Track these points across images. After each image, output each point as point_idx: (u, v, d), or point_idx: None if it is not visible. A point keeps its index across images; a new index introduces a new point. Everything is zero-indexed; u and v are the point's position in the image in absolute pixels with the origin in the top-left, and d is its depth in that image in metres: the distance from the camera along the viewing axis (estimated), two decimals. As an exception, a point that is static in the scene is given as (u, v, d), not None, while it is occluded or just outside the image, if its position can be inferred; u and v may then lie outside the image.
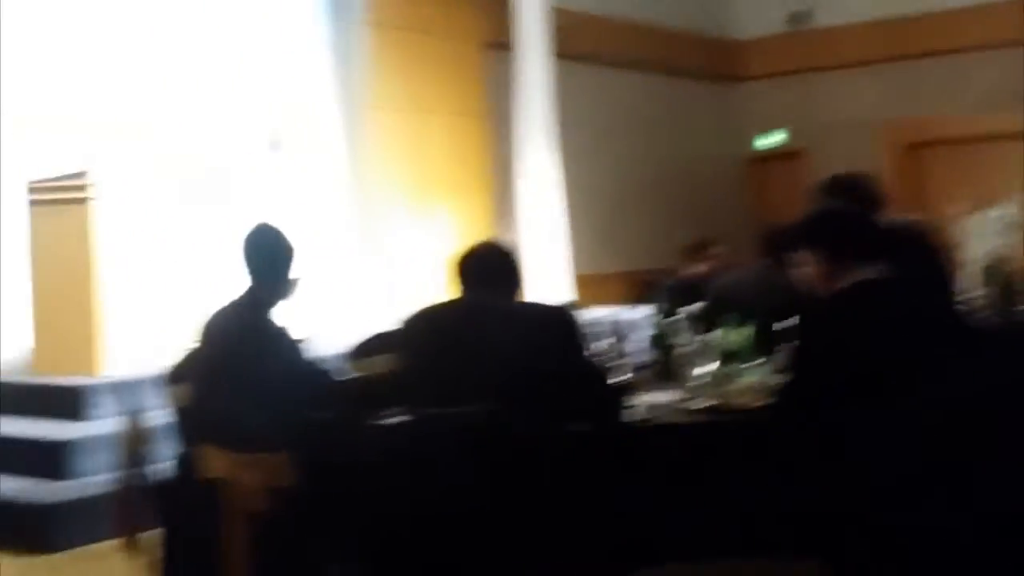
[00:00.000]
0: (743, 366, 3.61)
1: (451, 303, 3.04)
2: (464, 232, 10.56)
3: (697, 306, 5.37)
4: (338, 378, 3.60)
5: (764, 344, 3.80)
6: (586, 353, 3.09)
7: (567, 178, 11.09)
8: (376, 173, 10.37)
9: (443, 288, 9.61)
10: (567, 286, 10.16)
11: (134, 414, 3.59)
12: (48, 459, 5.54)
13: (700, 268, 7.39)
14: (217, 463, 3.22)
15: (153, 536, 3.58)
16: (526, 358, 2.80)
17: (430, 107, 10.78)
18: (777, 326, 3.80)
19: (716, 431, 3.10)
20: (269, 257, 3.46)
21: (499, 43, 11.16)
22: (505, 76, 11.21)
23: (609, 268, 11.33)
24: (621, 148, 12.52)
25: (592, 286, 9.82)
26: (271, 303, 3.44)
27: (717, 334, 3.90)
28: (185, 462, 3.58)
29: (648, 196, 12.67)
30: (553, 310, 2.94)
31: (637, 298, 5.81)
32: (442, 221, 10.72)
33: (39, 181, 6.40)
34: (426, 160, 10.73)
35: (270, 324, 3.41)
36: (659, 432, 3.09)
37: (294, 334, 3.42)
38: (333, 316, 7.99)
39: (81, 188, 6.13)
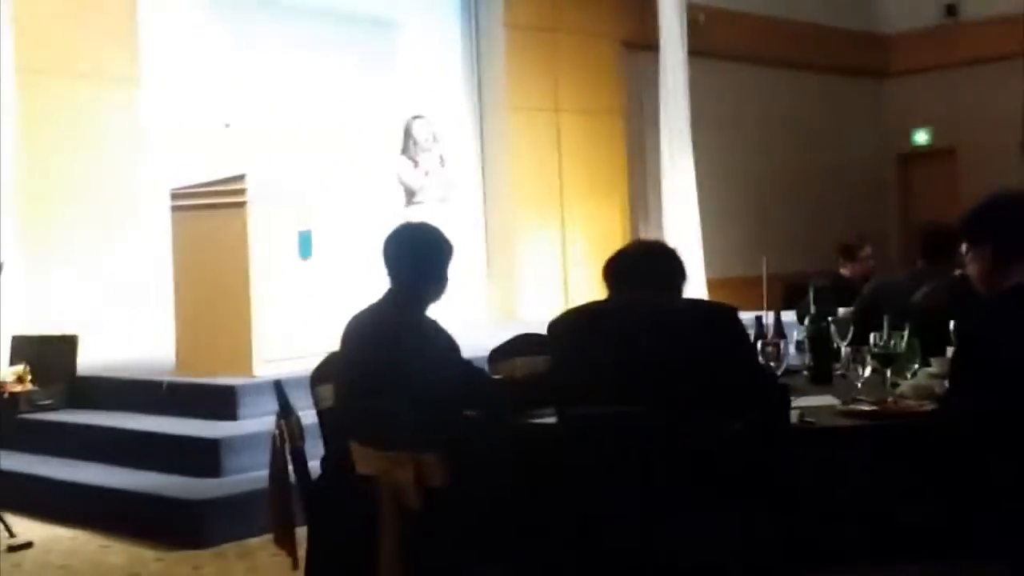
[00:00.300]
0: (905, 371, 3.47)
1: (608, 302, 2.96)
2: (600, 231, 10.53)
3: (850, 309, 5.23)
4: (492, 378, 3.59)
5: (923, 348, 3.66)
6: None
7: (706, 178, 10.95)
8: (513, 171, 10.42)
9: (583, 286, 9.60)
10: (701, 289, 10.03)
11: (285, 413, 3.63)
12: (201, 456, 5.69)
13: (851, 270, 7.21)
14: (370, 462, 3.23)
15: (300, 533, 3.62)
16: (693, 358, 2.72)
17: (569, 106, 10.78)
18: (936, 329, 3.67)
19: (881, 434, 2.99)
20: (429, 255, 3.46)
21: (637, 42, 11.09)
22: (642, 75, 11.14)
23: (745, 271, 11.12)
24: (762, 147, 12.31)
25: (726, 290, 9.66)
26: (426, 301, 3.45)
27: (873, 337, 3.79)
28: (330, 462, 3.62)
29: (789, 197, 12.42)
30: (721, 308, 2.83)
31: (783, 301, 5.68)
32: (578, 219, 10.70)
33: (184, 188, 6.56)
34: (563, 159, 10.74)
35: (427, 322, 3.41)
36: (821, 435, 2.99)
37: (448, 333, 3.41)
38: (467, 316, 8.04)
39: (240, 192, 6.26)
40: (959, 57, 12.73)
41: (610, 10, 10.98)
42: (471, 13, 10.68)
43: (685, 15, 10.80)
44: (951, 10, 13.10)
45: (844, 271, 7.27)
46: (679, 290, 3.00)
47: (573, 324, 3.03)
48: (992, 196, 2.95)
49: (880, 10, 13.67)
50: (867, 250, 7.34)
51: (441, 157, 7.98)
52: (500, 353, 4.04)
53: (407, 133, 7.98)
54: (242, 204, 6.29)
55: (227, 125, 7.23)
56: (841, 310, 4.68)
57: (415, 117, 8.04)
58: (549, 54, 10.70)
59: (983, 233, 2.86)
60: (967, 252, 2.92)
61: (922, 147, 13.74)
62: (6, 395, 6.70)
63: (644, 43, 10.99)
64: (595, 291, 3.22)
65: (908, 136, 13.71)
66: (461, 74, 10.63)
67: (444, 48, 10.52)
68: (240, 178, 6.33)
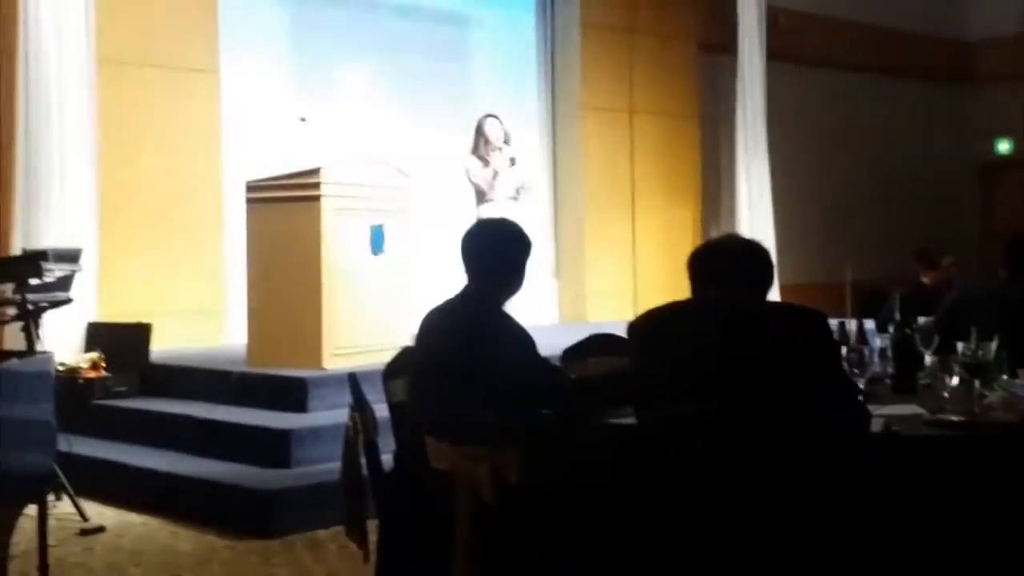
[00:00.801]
0: (993, 381, 3.38)
1: (691, 302, 2.89)
2: (671, 234, 10.45)
3: (931, 318, 5.10)
4: (568, 376, 3.55)
5: (1009, 360, 3.56)
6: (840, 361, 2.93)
7: (782, 184, 10.82)
8: (585, 172, 10.38)
9: (653, 289, 9.53)
10: (775, 294, 9.90)
11: (359, 406, 3.62)
12: (272, 447, 5.72)
13: (931, 278, 7.08)
14: (445, 457, 3.21)
15: (371, 526, 3.62)
16: (778, 361, 2.65)
17: (643, 108, 10.71)
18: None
19: (970, 446, 2.90)
20: (506, 251, 3.43)
21: (714, 44, 10.99)
22: (719, 78, 11.03)
23: (820, 278, 10.96)
24: (839, 153, 12.13)
25: (800, 295, 9.51)
26: (503, 298, 3.42)
27: (961, 347, 3.69)
28: (402, 456, 3.60)
29: (867, 204, 12.22)
30: (810, 312, 2.75)
31: (861, 308, 5.58)
32: (649, 222, 10.62)
33: (259, 180, 6.60)
34: (636, 161, 10.67)
35: (503, 318, 3.38)
36: (906, 445, 2.91)
37: (524, 330, 3.38)
38: (536, 317, 8.01)
39: (315, 186, 6.29)
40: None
41: (687, 11, 10.89)
42: (546, 10, 10.65)
43: (764, 17, 10.68)
44: (1036, 17, 12.82)
45: (924, 279, 7.14)
46: (764, 291, 2.93)
47: (655, 325, 2.97)
48: None
49: (964, 17, 13.42)
50: (949, 259, 7.21)
51: (512, 159, 7.95)
52: (574, 352, 4.01)
53: (478, 131, 7.96)
54: (316, 198, 6.33)
55: (303, 119, 7.27)
56: (921, 319, 4.58)
57: (487, 116, 8.02)
58: (624, 54, 10.64)
59: None
60: None
61: (1005, 157, 13.45)
62: (81, 381, 6.79)
63: (721, 45, 10.88)
64: (665, 295, 3.16)
65: (991, 145, 13.44)
66: (535, 72, 10.61)
67: (518, 45, 10.51)
68: (315, 172, 6.37)
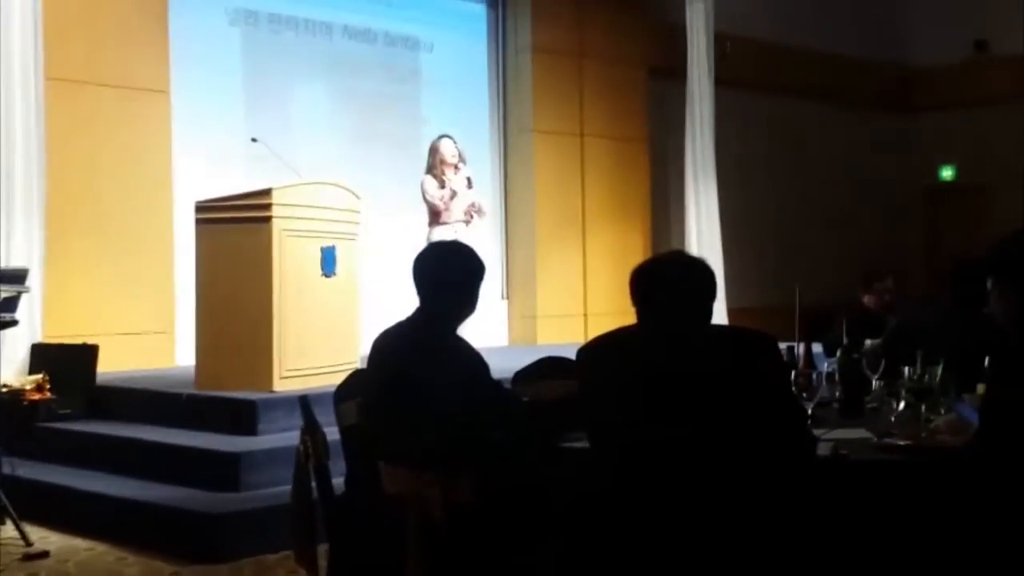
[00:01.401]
0: (939, 406, 3.43)
1: (639, 327, 2.91)
2: (621, 257, 10.50)
3: (877, 341, 5.18)
4: (520, 399, 3.55)
5: (956, 384, 3.62)
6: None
7: (730, 207, 10.93)
8: (536, 195, 10.43)
9: (604, 312, 9.57)
10: (722, 318, 9.98)
11: (310, 429, 3.60)
12: (221, 471, 5.67)
13: (869, 300, 7.17)
14: (397, 480, 3.21)
15: (321, 551, 3.59)
16: (728, 384, 2.68)
17: (593, 131, 10.79)
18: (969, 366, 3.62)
19: (917, 470, 2.95)
20: (460, 274, 3.44)
21: (663, 69, 11.09)
22: (668, 102, 11.14)
23: (768, 301, 11.07)
24: (787, 177, 12.28)
25: (747, 319, 9.60)
26: (456, 321, 3.43)
27: (908, 372, 3.75)
28: (354, 479, 3.59)
29: (814, 228, 12.37)
30: (759, 336, 2.78)
31: (807, 332, 5.62)
32: (600, 245, 10.68)
33: (209, 201, 6.56)
34: (586, 184, 10.73)
35: (456, 341, 3.39)
36: (854, 469, 2.95)
37: (477, 353, 3.39)
38: (486, 340, 8.02)
39: (266, 207, 6.26)
40: (988, 93, 12.70)
41: (637, 36, 10.99)
42: (497, 35, 10.72)
43: (712, 43, 10.80)
44: (981, 45, 13.07)
45: (865, 300, 7.23)
46: (708, 308, 2.95)
47: (603, 350, 2.99)
48: (1020, 233, 2.90)
49: (909, 45, 13.66)
50: (886, 281, 7.29)
51: (468, 179, 7.96)
52: (525, 375, 4.02)
53: (433, 152, 7.96)
54: (267, 219, 6.29)
55: (254, 140, 7.24)
56: (868, 342, 4.65)
57: (442, 136, 8.03)
58: (574, 79, 10.71)
59: (1011, 272, 2.81)
60: (992, 289, 2.88)
61: (949, 183, 13.69)
62: (25, 403, 6.69)
63: (671, 70, 10.99)
64: (615, 317, 3.19)
65: (935, 171, 13.67)
66: (486, 96, 10.66)
67: (470, 69, 10.56)
68: (266, 193, 6.34)
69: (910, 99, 13.63)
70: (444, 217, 7.83)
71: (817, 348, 4.52)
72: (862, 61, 13.09)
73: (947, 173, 13.71)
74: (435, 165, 7.91)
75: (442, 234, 7.65)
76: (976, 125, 12.98)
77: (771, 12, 12.17)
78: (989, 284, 2.90)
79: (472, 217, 7.91)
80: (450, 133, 8.11)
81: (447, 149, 7.90)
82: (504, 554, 3.11)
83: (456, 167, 7.90)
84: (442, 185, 7.86)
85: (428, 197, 7.88)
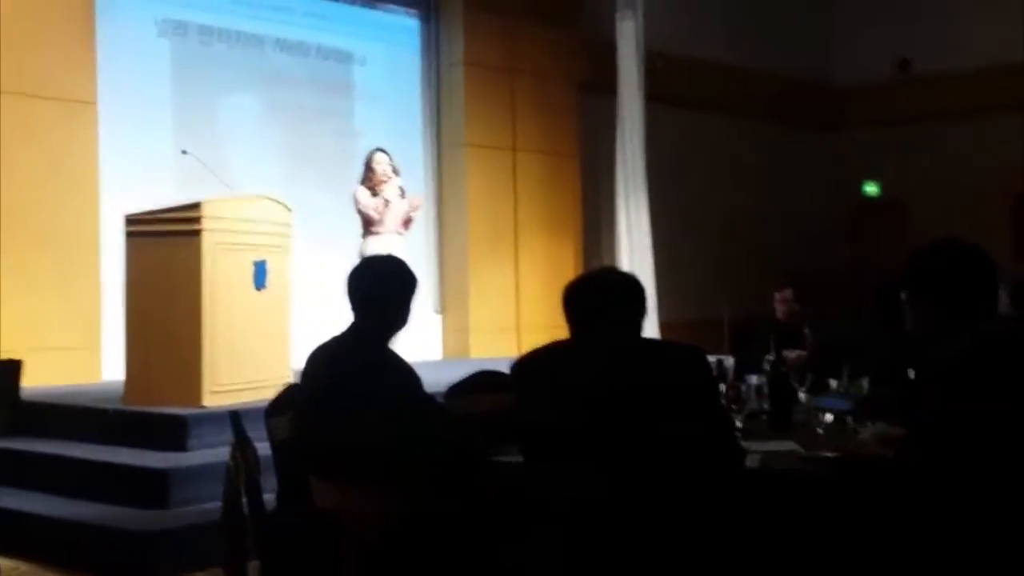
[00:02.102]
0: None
1: (572, 340, 2.94)
2: (553, 271, 10.56)
3: (796, 353, 5.27)
4: (454, 414, 3.55)
5: (881, 396, 3.69)
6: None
7: (660, 222, 11.03)
8: (468, 209, 10.45)
9: (537, 325, 9.59)
10: (654, 331, 10.06)
11: (241, 444, 3.57)
12: (150, 487, 5.59)
13: (778, 311, 7.33)
14: (330, 496, 3.19)
15: (251, 568, 3.57)
16: (659, 398, 2.71)
17: (525, 146, 10.84)
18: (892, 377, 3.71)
19: (843, 481, 3.00)
20: (393, 289, 3.44)
21: (595, 85, 11.18)
22: (600, 118, 11.22)
23: (698, 315, 11.21)
24: (716, 193, 12.43)
25: (678, 332, 9.69)
26: (389, 336, 3.43)
27: (835, 385, 3.83)
28: (286, 495, 3.57)
29: (743, 244, 12.53)
30: (690, 349, 2.81)
31: (740, 345, 5.72)
32: (532, 259, 10.73)
33: (138, 214, 6.49)
34: (518, 198, 10.77)
35: (390, 356, 3.39)
36: (783, 481, 2.99)
37: (411, 368, 3.39)
38: (419, 353, 8.01)
39: (196, 220, 6.20)
40: (911, 111, 12.98)
41: (569, 52, 11.07)
42: (430, 49, 10.73)
43: (643, 59, 10.90)
44: (904, 65, 13.36)
45: (776, 313, 7.39)
46: (639, 324, 2.99)
47: (537, 363, 3.01)
48: (931, 247, 2.96)
49: (836, 64, 13.91)
50: (785, 292, 7.45)
51: (401, 188, 7.97)
52: (459, 389, 4.02)
53: (367, 164, 7.95)
54: (197, 232, 6.22)
55: (184, 152, 7.17)
56: (788, 354, 4.73)
57: (376, 150, 8.02)
58: (507, 93, 10.76)
59: (920, 285, 2.87)
60: (905, 302, 2.94)
61: (872, 199, 13.96)
62: (-54, 420, 6.55)
63: (602, 85, 11.08)
64: (548, 330, 3.21)
65: (859, 188, 13.93)
66: (419, 109, 10.66)
67: (402, 82, 10.56)
68: (196, 206, 6.27)
69: (835, 118, 13.88)
70: (377, 228, 7.82)
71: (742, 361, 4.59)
72: (790, 79, 13.31)
73: (871, 189, 13.98)
74: (368, 178, 7.90)
75: (375, 244, 7.63)
76: (899, 142, 13.26)
77: (701, 29, 12.34)
78: (903, 297, 2.96)
79: (405, 228, 7.92)
80: (384, 147, 8.11)
81: (379, 164, 7.90)
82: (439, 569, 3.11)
83: (388, 179, 7.90)
84: (375, 195, 7.86)
85: (361, 207, 7.86)
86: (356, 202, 7.88)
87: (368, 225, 7.85)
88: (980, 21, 12.47)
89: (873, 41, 13.47)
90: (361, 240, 7.84)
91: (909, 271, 2.92)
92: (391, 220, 7.84)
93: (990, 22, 12.38)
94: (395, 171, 7.95)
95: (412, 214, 7.95)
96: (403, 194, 7.96)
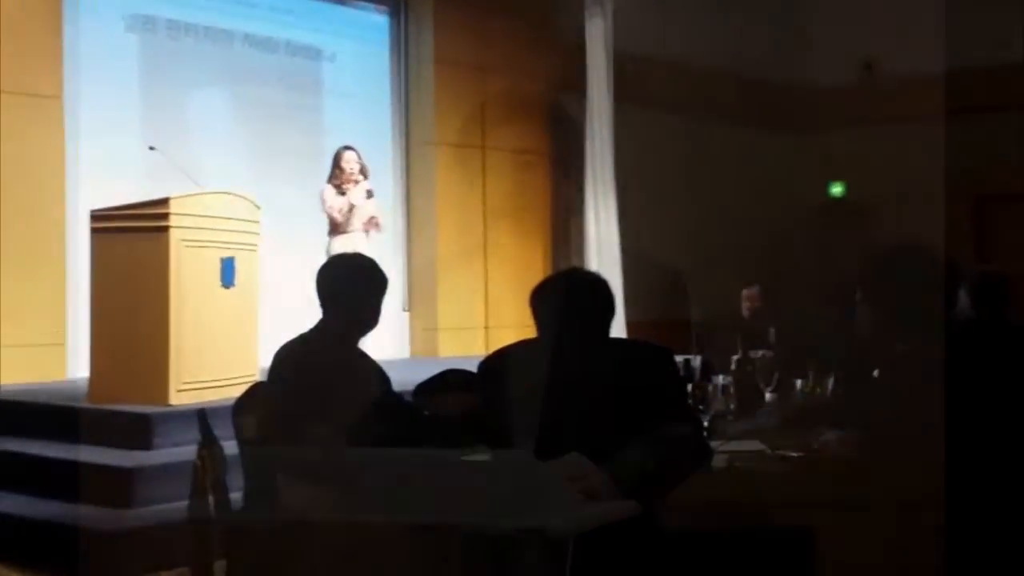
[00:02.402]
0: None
1: (540, 341, 2.94)
2: (522, 270, 10.57)
3: (762, 353, 5.30)
4: (422, 413, 3.55)
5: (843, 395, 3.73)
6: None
7: (629, 222, 11.07)
8: (437, 207, 10.44)
9: (505, 324, 9.62)
10: (621, 331, 10.10)
11: (207, 443, 3.56)
12: (115, 486, 5.56)
13: (743, 310, 7.39)
14: (297, 495, 3.18)
15: (218, 567, 3.55)
16: (627, 398, 2.72)
17: (495, 144, 10.83)
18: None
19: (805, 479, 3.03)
20: (365, 286, 3.44)
21: (566, 84, 11.20)
22: (570, 117, 11.24)
23: (665, 315, 11.23)
24: (685, 194, 12.47)
25: (645, 332, 9.72)
26: (359, 334, 3.43)
27: (800, 384, 3.87)
28: (253, 494, 3.55)
29: (710, 244, 12.58)
30: (657, 349, 2.82)
31: (707, 345, 5.76)
32: (501, 258, 10.74)
33: (105, 210, 6.44)
34: (488, 196, 10.78)
35: (359, 355, 3.39)
36: (747, 478, 3.02)
37: (380, 367, 3.39)
38: (387, 352, 8.01)
39: (164, 216, 6.17)
40: (876, 114, 13.07)
41: (540, 52, 11.08)
42: (400, 46, 10.71)
43: (612, 59, 10.93)
44: (870, 67, 13.45)
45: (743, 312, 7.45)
46: (607, 324, 3.00)
47: (505, 362, 3.02)
48: (886, 249, 2.99)
49: (805, 65, 13.98)
50: (751, 291, 7.52)
51: (368, 191, 7.95)
52: (427, 388, 4.02)
53: (335, 162, 7.93)
54: (165, 229, 6.19)
55: (151, 148, 7.13)
56: (757, 355, 4.76)
57: (345, 147, 8.00)
58: (477, 91, 10.75)
59: (874, 285, 2.91)
60: (859, 302, 2.98)
61: (837, 200, 14.05)
62: (-92, 417, 6.48)
63: (572, 85, 11.10)
64: (517, 329, 3.21)
65: (825, 189, 14.02)
66: (388, 107, 10.64)
67: (373, 79, 10.53)
68: (163, 202, 6.24)
69: (803, 117, 13.95)
70: (343, 228, 7.81)
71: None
72: (758, 80, 13.37)
73: (837, 190, 14.07)
74: (336, 176, 7.89)
75: (341, 244, 7.62)
76: (863, 145, 13.35)
77: (670, 30, 12.37)
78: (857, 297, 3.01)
79: (374, 229, 7.91)
80: (353, 144, 8.09)
81: (347, 162, 7.88)
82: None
83: (356, 180, 7.89)
84: (341, 195, 7.84)
85: (326, 208, 7.85)
86: (322, 202, 7.87)
87: (334, 226, 7.85)
88: (945, 24, 12.58)
89: (839, 43, 13.56)
90: (328, 239, 7.83)
91: (864, 273, 2.97)
92: (356, 222, 7.83)
93: (955, 26, 12.49)
94: (364, 172, 7.94)
95: (373, 229, 7.91)
96: (370, 195, 7.95)
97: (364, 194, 7.90)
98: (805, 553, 2.71)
